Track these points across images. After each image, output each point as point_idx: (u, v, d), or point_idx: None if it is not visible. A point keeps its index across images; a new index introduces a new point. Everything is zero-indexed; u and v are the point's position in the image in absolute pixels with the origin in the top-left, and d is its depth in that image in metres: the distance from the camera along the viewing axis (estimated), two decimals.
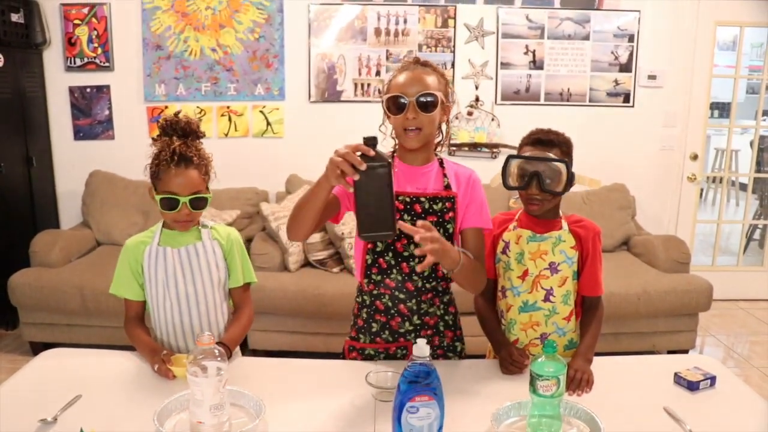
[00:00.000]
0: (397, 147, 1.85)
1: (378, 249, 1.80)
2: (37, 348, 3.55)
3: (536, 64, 4.36)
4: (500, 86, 4.37)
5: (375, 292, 1.84)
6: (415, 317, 1.83)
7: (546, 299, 1.86)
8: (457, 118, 4.36)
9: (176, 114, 1.86)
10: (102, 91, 4.35)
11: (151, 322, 1.95)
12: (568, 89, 4.38)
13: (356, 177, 1.43)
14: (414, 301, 1.82)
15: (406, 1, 4.27)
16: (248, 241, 3.81)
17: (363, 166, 1.42)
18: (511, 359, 1.76)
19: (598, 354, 1.83)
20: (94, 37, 4.28)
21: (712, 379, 1.69)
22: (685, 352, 3.64)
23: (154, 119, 4.30)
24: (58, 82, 4.34)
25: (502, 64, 4.35)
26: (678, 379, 1.70)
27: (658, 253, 3.79)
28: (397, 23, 4.27)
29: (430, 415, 1.27)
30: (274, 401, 1.55)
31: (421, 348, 1.26)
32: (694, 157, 4.52)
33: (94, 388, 1.63)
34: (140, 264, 1.88)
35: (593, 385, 1.68)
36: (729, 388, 1.69)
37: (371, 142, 1.45)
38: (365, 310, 1.88)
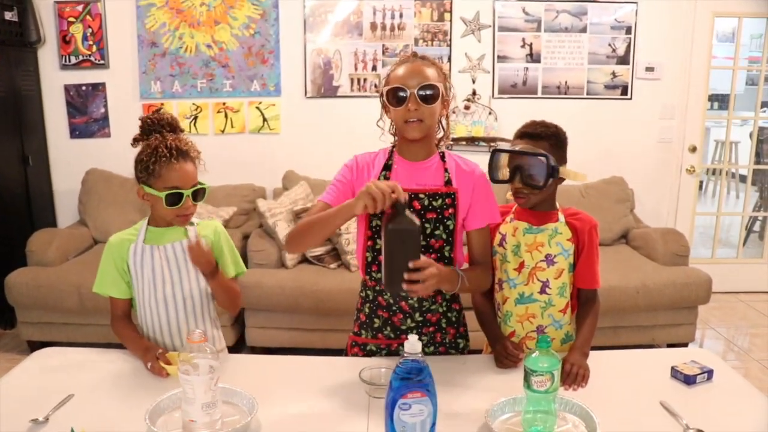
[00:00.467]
0: (396, 142, 1.83)
1: (378, 247, 1.78)
2: (35, 347, 3.53)
3: (533, 57, 4.34)
4: (497, 80, 4.36)
5: (377, 288, 1.82)
6: (417, 314, 1.82)
7: (542, 291, 1.85)
8: (454, 112, 4.33)
9: (157, 111, 1.85)
10: (97, 88, 4.33)
11: (137, 320, 1.94)
12: (566, 82, 4.36)
13: (389, 226, 1.49)
14: (416, 298, 1.80)
15: None
16: (245, 238, 3.80)
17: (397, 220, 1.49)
18: (506, 353, 1.75)
19: (596, 348, 1.82)
20: (88, 34, 4.26)
21: (709, 372, 1.67)
22: (685, 345, 3.63)
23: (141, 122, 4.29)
24: (54, 81, 4.33)
25: (498, 57, 4.33)
26: (675, 373, 1.68)
27: (657, 246, 3.77)
28: (392, 17, 4.25)
29: (423, 412, 1.26)
30: (267, 399, 1.54)
31: (413, 344, 1.25)
32: (693, 150, 4.51)
33: (86, 388, 1.62)
34: (125, 262, 1.87)
35: (589, 379, 1.67)
36: (726, 381, 1.68)
37: (401, 206, 1.51)
38: (368, 305, 1.86)
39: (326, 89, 4.33)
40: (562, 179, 1.83)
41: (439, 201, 1.76)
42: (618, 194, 4.17)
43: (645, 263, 3.72)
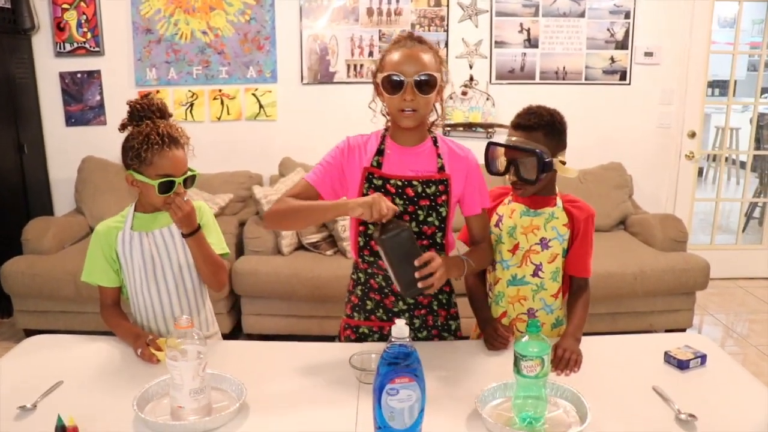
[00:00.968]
0: (389, 126, 1.81)
1: (369, 231, 1.77)
2: (31, 335, 3.50)
3: (531, 43, 4.30)
4: (495, 65, 4.32)
5: (369, 270, 1.82)
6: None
7: (534, 274, 1.84)
8: (451, 98, 4.31)
9: (145, 96, 1.82)
10: (93, 76, 4.31)
11: (129, 307, 1.93)
12: (564, 67, 4.32)
13: (384, 237, 1.53)
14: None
15: None
16: (241, 225, 3.79)
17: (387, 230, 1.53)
18: (495, 334, 1.75)
19: (593, 334, 1.82)
20: (83, 21, 4.23)
21: (703, 357, 1.66)
22: (683, 331, 3.62)
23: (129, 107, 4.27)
24: (48, 68, 4.30)
25: (496, 42, 4.29)
26: (668, 358, 1.67)
27: (655, 232, 3.75)
28: (389, 3, 4.21)
29: (411, 397, 1.24)
30: (257, 384, 1.53)
31: (401, 329, 1.24)
32: (692, 135, 4.48)
33: (75, 375, 1.61)
34: (114, 250, 1.85)
35: (581, 364, 1.66)
36: (720, 366, 1.66)
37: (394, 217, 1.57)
38: (360, 287, 1.86)
39: (323, 75, 4.30)
40: (562, 165, 1.80)
41: (433, 188, 1.74)
42: (616, 180, 4.15)
43: (643, 249, 3.70)
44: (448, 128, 4.32)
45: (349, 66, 4.28)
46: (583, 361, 1.67)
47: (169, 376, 1.39)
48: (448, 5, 4.23)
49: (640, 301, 3.52)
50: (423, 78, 1.65)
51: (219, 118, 4.35)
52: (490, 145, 1.84)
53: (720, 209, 4.88)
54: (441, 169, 1.76)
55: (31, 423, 1.39)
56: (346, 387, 1.55)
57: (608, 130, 4.34)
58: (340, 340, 1.93)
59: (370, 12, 4.23)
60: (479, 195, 1.81)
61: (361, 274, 1.85)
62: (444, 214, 1.76)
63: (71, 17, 4.21)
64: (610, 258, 3.45)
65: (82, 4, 4.20)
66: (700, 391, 1.53)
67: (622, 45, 4.30)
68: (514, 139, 1.78)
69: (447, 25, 4.26)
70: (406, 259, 1.55)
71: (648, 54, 4.32)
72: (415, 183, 1.74)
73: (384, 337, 1.85)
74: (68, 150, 4.36)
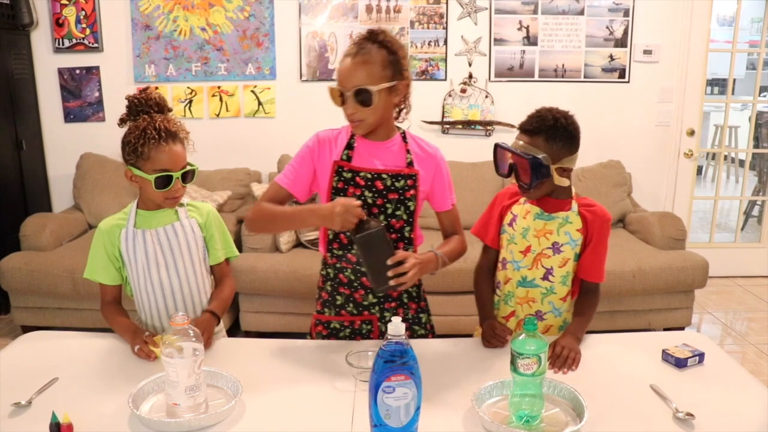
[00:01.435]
0: None
1: None
2: (29, 332, 3.52)
3: (530, 40, 4.29)
4: (494, 63, 4.31)
5: (338, 265, 1.84)
6: None
7: (545, 278, 1.84)
8: (450, 95, 4.30)
9: (143, 90, 1.81)
10: (91, 72, 4.30)
11: (135, 305, 1.93)
12: (563, 65, 4.32)
13: (358, 235, 1.57)
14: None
15: None
16: (239, 222, 3.78)
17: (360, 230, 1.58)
18: (492, 332, 1.75)
19: (590, 332, 1.82)
20: (82, 17, 4.21)
21: (701, 356, 1.66)
22: (681, 329, 3.62)
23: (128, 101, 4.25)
24: (47, 64, 4.29)
25: (495, 40, 4.28)
26: (666, 356, 1.67)
27: (654, 230, 3.75)
28: (388, 0, 4.20)
29: (407, 395, 1.24)
30: (253, 382, 1.53)
31: (397, 326, 1.23)
32: (691, 133, 4.47)
33: (71, 371, 1.61)
34: (117, 247, 1.84)
35: (579, 363, 1.65)
36: (717, 365, 1.66)
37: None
38: (329, 282, 1.88)
39: (322, 72, 4.29)
40: (569, 170, 1.77)
41: (401, 182, 1.77)
42: (615, 178, 4.14)
43: (641, 247, 3.70)
44: (447, 126, 4.31)
45: None
46: (581, 358, 1.67)
47: (164, 373, 1.39)
48: (447, 2, 4.22)
49: (639, 299, 3.52)
50: (359, 93, 1.67)
51: (218, 115, 4.34)
52: (496, 147, 1.83)
53: (719, 207, 4.88)
54: (410, 164, 1.79)
55: (26, 420, 1.39)
56: (342, 384, 1.54)
57: (607, 128, 4.33)
58: (311, 337, 1.93)
59: (369, 9, 4.22)
60: (446, 192, 1.87)
61: (329, 270, 1.87)
62: (412, 208, 1.79)
63: (70, 13, 4.20)
64: (609, 256, 3.38)
65: (81, 0, 4.19)
66: (697, 390, 1.52)
67: (621, 43, 4.30)
68: (519, 143, 1.77)
69: (446, 23, 4.25)
70: (379, 257, 1.59)
71: (647, 52, 4.32)
72: (384, 176, 1.76)
73: (355, 331, 1.87)
74: (67, 146, 4.35)
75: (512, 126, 4.25)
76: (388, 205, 1.78)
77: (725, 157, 6.00)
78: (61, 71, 4.29)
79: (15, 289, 3.54)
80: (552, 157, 1.72)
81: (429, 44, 4.26)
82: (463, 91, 4.30)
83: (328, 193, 1.78)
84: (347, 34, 4.24)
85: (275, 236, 3.59)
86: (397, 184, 1.77)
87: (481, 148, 4.30)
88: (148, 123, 1.74)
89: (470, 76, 4.29)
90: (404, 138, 1.83)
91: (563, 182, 1.75)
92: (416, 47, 4.27)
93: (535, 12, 4.25)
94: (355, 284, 1.83)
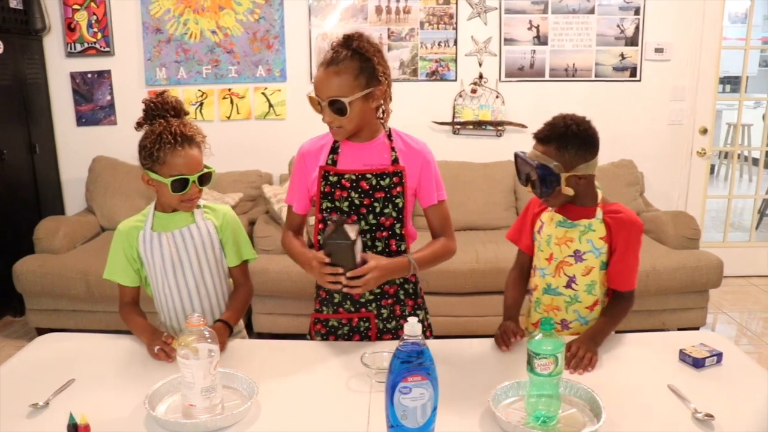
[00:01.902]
0: None
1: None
2: (43, 334, 3.54)
3: (540, 40, 4.27)
4: (504, 63, 4.30)
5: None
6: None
7: (568, 286, 1.83)
8: (460, 96, 4.29)
9: (160, 94, 1.81)
10: (103, 76, 4.32)
11: (155, 306, 1.94)
12: (574, 64, 4.30)
13: (326, 239, 1.64)
14: None
15: None
16: (251, 224, 3.79)
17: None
18: (502, 335, 1.75)
19: None
20: (93, 21, 4.24)
21: (719, 355, 1.64)
22: (696, 329, 3.59)
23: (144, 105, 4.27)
24: (59, 68, 4.32)
25: (505, 40, 4.27)
26: (683, 356, 1.65)
27: (667, 229, 3.72)
28: (398, 1, 4.20)
29: (424, 396, 1.23)
30: (268, 383, 1.53)
31: (413, 326, 1.22)
32: (704, 132, 4.44)
33: (87, 373, 1.62)
34: (135, 249, 1.85)
35: (596, 365, 1.63)
36: (736, 364, 1.64)
37: (339, 221, 1.65)
38: None
39: None
40: (586, 177, 1.75)
41: (387, 180, 1.78)
42: (627, 177, 4.12)
43: (655, 247, 3.68)
44: (458, 126, 4.30)
45: None
46: (597, 358, 1.65)
47: (180, 374, 1.39)
48: (456, 3, 4.21)
49: (653, 299, 3.49)
50: (332, 103, 1.68)
51: (228, 117, 4.36)
52: (515, 156, 1.82)
53: (732, 206, 4.84)
54: (395, 161, 1.80)
55: (44, 421, 1.39)
56: (357, 385, 1.54)
57: (619, 127, 4.31)
58: (311, 337, 1.94)
59: (378, 10, 4.22)
60: (434, 186, 1.86)
61: None
62: (401, 205, 1.80)
63: (82, 18, 4.23)
64: None
65: (93, 4, 4.21)
66: (716, 390, 1.51)
67: (632, 41, 4.27)
68: (536, 152, 1.75)
69: (456, 23, 4.24)
70: (342, 265, 1.64)
71: (658, 50, 4.29)
72: (369, 176, 1.78)
73: (353, 328, 1.89)
74: (79, 150, 4.38)
75: (523, 126, 4.24)
76: (375, 204, 1.79)
77: (738, 156, 5.96)
78: (73, 75, 4.32)
79: (29, 291, 3.56)
80: (565, 165, 1.70)
81: (439, 45, 4.26)
82: (474, 91, 4.29)
83: (318, 198, 1.81)
84: None
85: None
86: (382, 183, 1.78)
87: (492, 148, 4.29)
88: (164, 127, 1.74)
89: (480, 77, 4.28)
90: (389, 136, 1.83)
91: (568, 191, 1.72)
92: (426, 48, 4.26)
93: (545, 11, 4.24)
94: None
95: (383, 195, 1.78)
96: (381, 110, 1.81)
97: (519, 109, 4.28)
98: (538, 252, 1.89)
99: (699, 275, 3.47)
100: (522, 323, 1.92)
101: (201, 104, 4.32)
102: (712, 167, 6.56)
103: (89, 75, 4.32)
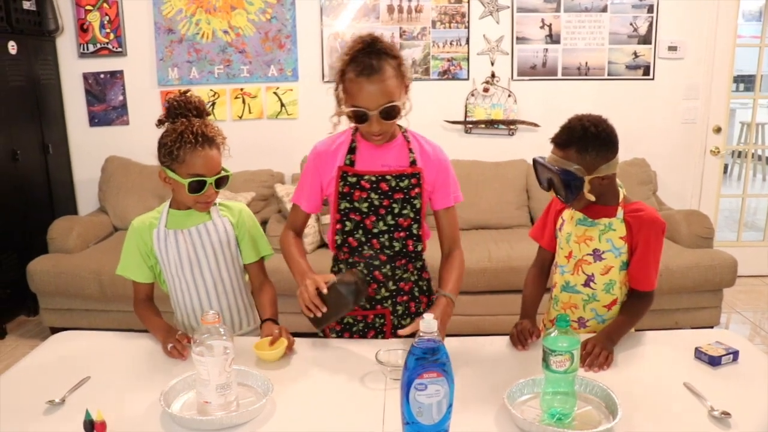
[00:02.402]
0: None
1: (347, 229, 1.82)
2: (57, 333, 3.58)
3: (553, 38, 4.26)
4: (516, 61, 4.29)
5: (350, 260, 1.86)
6: (390, 283, 1.86)
7: (586, 284, 1.82)
8: (473, 95, 4.28)
9: (184, 93, 1.81)
10: (115, 76, 4.34)
11: (171, 304, 1.95)
12: (586, 63, 4.28)
13: (336, 284, 1.64)
14: (389, 267, 1.85)
15: None
16: (263, 223, 3.78)
17: (323, 309, 1.64)
18: (517, 335, 1.74)
19: None
20: (105, 22, 4.26)
21: (735, 353, 1.63)
22: (710, 328, 3.56)
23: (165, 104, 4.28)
24: (72, 69, 4.35)
25: (517, 38, 4.26)
26: (699, 354, 1.64)
27: (681, 228, 3.70)
28: (409, 0, 4.19)
29: (439, 393, 1.23)
30: (282, 380, 1.53)
31: (429, 323, 1.22)
32: (717, 130, 4.41)
33: (102, 370, 1.62)
34: (149, 245, 1.86)
35: (611, 364, 1.62)
36: (753, 362, 1.63)
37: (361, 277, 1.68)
38: None
39: None
40: (609, 177, 1.74)
41: (406, 181, 1.78)
42: (640, 176, 4.10)
43: (668, 246, 3.64)
44: (470, 125, 4.29)
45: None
46: (613, 355, 1.65)
47: (195, 371, 1.39)
48: (468, 1, 4.21)
49: (666, 298, 3.47)
50: (388, 110, 1.66)
51: (240, 117, 4.37)
52: (534, 162, 1.81)
53: (746, 206, 4.80)
54: (413, 163, 1.79)
55: (60, 417, 1.40)
56: (372, 382, 1.54)
57: (632, 126, 4.28)
58: (324, 334, 1.93)
59: (390, 9, 4.21)
60: (449, 189, 1.85)
61: (341, 265, 1.89)
62: (418, 206, 1.80)
63: (94, 18, 4.25)
64: None
65: (105, 5, 4.23)
66: (732, 388, 1.49)
67: (645, 40, 4.25)
68: (554, 156, 1.74)
69: (468, 22, 4.23)
70: (337, 310, 1.65)
71: (672, 48, 4.26)
72: (388, 177, 1.78)
73: (368, 325, 1.89)
74: (92, 150, 4.40)
75: (535, 125, 4.23)
76: (394, 205, 1.79)
77: (752, 155, 5.91)
78: (86, 76, 4.34)
79: (43, 291, 3.58)
80: (587, 168, 1.68)
81: (451, 44, 4.25)
82: (486, 90, 4.28)
83: (336, 199, 1.80)
84: None
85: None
86: (401, 184, 1.78)
87: (504, 147, 4.28)
88: (186, 127, 1.74)
89: (493, 75, 4.27)
90: (406, 137, 1.83)
91: (590, 197, 1.71)
92: (438, 47, 4.26)
93: (557, 10, 4.22)
94: (368, 279, 1.84)
95: (402, 196, 1.78)
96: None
97: (531, 108, 4.27)
98: (558, 249, 1.89)
99: (713, 274, 3.45)
100: (541, 323, 1.91)
101: (213, 104, 4.34)
102: (726, 167, 6.50)
103: (102, 75, 4.34)
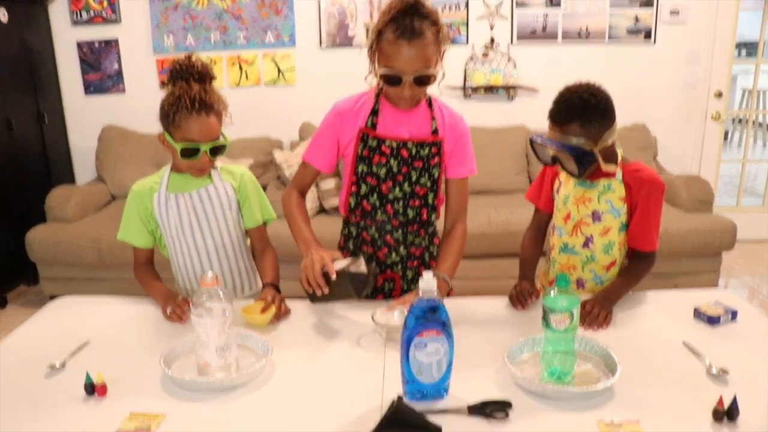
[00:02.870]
0: (383, 87, 1.75)
1: (362, 192, 1.80)
2: None
3: (553, 2, 4.19)
4: (516, 26, 4.23)
5: (362, 224, 1.84)
6: (402, 248, 1.84)
7: (585, 245, 1.82)
8: (472, 59, 4.24)
9: (188, 57, 1.78)
10: (110, 44, 4.29)
11: (171, 270, 1.94)
12: (587, 27, 4.22)
13: (345, 270, 1.59)
14: (400, 232, 1.83)
15: None
16: (264, 189, 3.77)
17: (325, 290, 1.59)
18: (516, 296, 1.74)
19: None
20: None
21: (734, 313, 1.63)
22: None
23: (163, 71, 4.24)
24: (66, 37, 4.29)
25: (517, 3, 4.19)
26: (698, 314, 1.65)
27: (681, 193, 3.68)
28: None
29: (439, 351, 1.23)
30: (282, 343, 1.53)
31: (428, 282, 1.22)
32: (719, 95, 4.37)
33: (102, 334, 1.62)
34: (149, 210, 1.85)
35: (610, 323, 1.63)
36: (751, 322, 1.63)
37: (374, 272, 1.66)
38: (351, 241, 1.88)
39: (341, 39, 4.24)
40: (613, 143, 1.72)
41: (426, 150, 1.76)
42: (640, 141, 4.07)
43: (668, 210, 3.63)
44: (470, 91, 4.25)
45: (367, 29, 4.20)
46: (612, 315, 1.65)
47: (195, 335, 1.39)
48: None
49: (665, 262, 3.46)
50: (422, 77, 1.64)
51: (238, 84, 4.33)
52: (531, 143, 1.78)
53: (746, 172, 4.78)
54: (435, 131, 1.77)
55: (61, 381, 1.40)
56: (370, 343, 1.54)
57: (632, 91, 4.24)
58: None
59: None
60: (462, 161, 1.82)
61: (352, 228, 1.87)
62: (436, 175, 1.79)
63: None
64: None
65: None
66: (731, 347, 1.50)
67: (647, 3, 4.18)
68: (554, 134, 1.70)
69: None
70: (337, 298, 1.62)
71: (674, 13, 4.20)
72: (409, 145, 1.75)
73: (378, 289, 1.88)
74: (88, 118, 4.37)
75: (535, 90, 4.19)
76: (412, 173, 1.77)
77: (753, 122, 5.88)
78: (80, 44, 4.29)
79: (42, 260, 3.59)
80: (592, 140, 1.66)
81: (450, 8, 4.19)
82: (485, 55, 4.23)
83: (353, 162, 1.77)
84: (366, 1, 4.17)
85: None
86: (422, 153, 1.76)
87: (504, 112, 4.25)
88: (183, 91, 1.71)
89: (492, 41, 4.21)
90: (430, 104, 1.80)
91: (610, 168, 1.70)
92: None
93: None
94: (379, 243, 1.84)
95: (421, 165, 1.76)
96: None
97: (531, 73, 4.22)
98: (556, 212, 1.88)
99: (712, 238, 3.45)
100: (538, 282, 1.91)
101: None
102: (726, 134, 6.46)
103: (96, 44, 4.29)
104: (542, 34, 4.25)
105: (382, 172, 1.77)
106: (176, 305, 1.69)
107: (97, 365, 1.42)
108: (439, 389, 1.27)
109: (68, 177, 4.45)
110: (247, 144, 4.09)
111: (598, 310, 1.63)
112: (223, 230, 1.88)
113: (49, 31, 4.23)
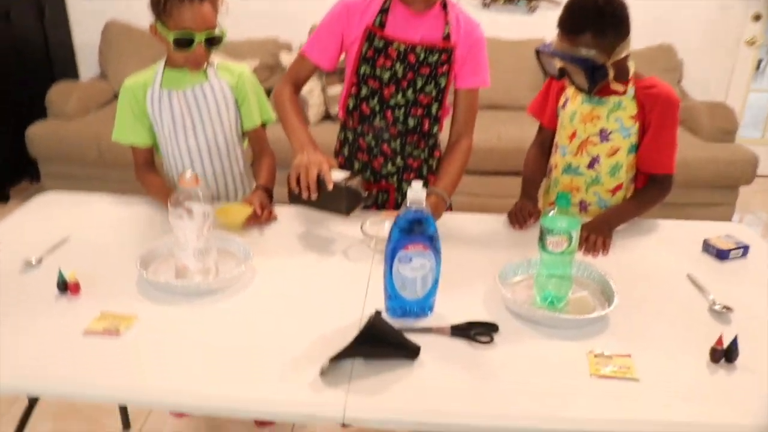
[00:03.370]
0: None
1: (362, 95, 1.69)
2: None
3: None
4: None
5: (359, 129, 1.75)
6: (399, 158, 1.76)
7: (590, 166, 1.71)
8: None
9: None
10: None
11: (163, 171, 1.86)
12: None
13: (341, 183, 1.48)
14: (398, 141, 1.74)
15: None
16: (268, 93, 3.66)
17: (314, 195, 1.48)
18: (516, 214, 1.67)
19: None
20: None
21: (745, 248, 1.54)
22: None
23: None
24: None
25: None
26: (707, 247, 1.56)
27: (702, 119, 3.52)
28: None
29: (425, 267, 1.16)
30: (265, 249, 1.48)
31: (417, 192, 1.13)
32: (757, 18, 4.11)
33: (82, 232, 1.58)
34: (142, 106, 1.75)
35: (610, 249, 1.55)
36: (763, 259, 1.54)
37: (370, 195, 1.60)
38: (347, 147, 1.80)
39: None
40: (626, 57, 1.58)
41: (435, 56, 1.65)
42: (665, 63, 3.86)
43: (687, 137, 3.50)
44: (488, 0, 4.03)
45: None
46: (615, 243, 1.57)
47: (173, 237, 1.33)
48: None
49: (679, 191, 3.27)
50: None
51: None
52: (537, 53, 1.64)
53: None
54: (446, 37, 1.65)
55: (36, 277, 1.36)
56: (359, 254, 1.49)
57: (660, 8, 3.98)
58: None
59: None
60: (477, 70, 1.70)
61: (349, 133, 1.78)
62: (443, 84, 1.68)
63: None
64: None
65: None
66: (738, 284, 1.41)
67: None
68: (563, 45, 1.56)
69: None
70: (324, 207, 1.51)
71: None
72: (418, 50, 1.64)
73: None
74: (91, 12, 4.19)
75: (558, 2, 3.96)
76: (418, 80, 1.66)
77: None
78: None
79: (43, 156, 3.54)
80: (606, 52, 1.52)
81: None
82: None
83: (356, 61, 1.66)
84: None
85: (304, 107, 3.48)
86: (430, 59, 1.64)
87: (524, 24, 4.03)
88: None
89: None
90: (444, 6, 1.66)
91: (619, 88, 1.59)
92: None
93: None
94: (375, 151, 1.75)
95: (428, 72, 1.65)
96: None
97: None
98: (560, 129, 1.76)
99: (732, 169, 3.32)
100: (539, 202, 1.82)
101: None
102: (759, 62, 6.17)
103: None
104: None
105: (386, 75, 1.66)
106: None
107: (74, 263, 1.38)
108: (423, 307, 1.21)
109: (71, 73, 4.33)
110: (254, 45, 3.93)
111: (594, 237, 1.54)
112: (217, 131, 1.79)
113: None
